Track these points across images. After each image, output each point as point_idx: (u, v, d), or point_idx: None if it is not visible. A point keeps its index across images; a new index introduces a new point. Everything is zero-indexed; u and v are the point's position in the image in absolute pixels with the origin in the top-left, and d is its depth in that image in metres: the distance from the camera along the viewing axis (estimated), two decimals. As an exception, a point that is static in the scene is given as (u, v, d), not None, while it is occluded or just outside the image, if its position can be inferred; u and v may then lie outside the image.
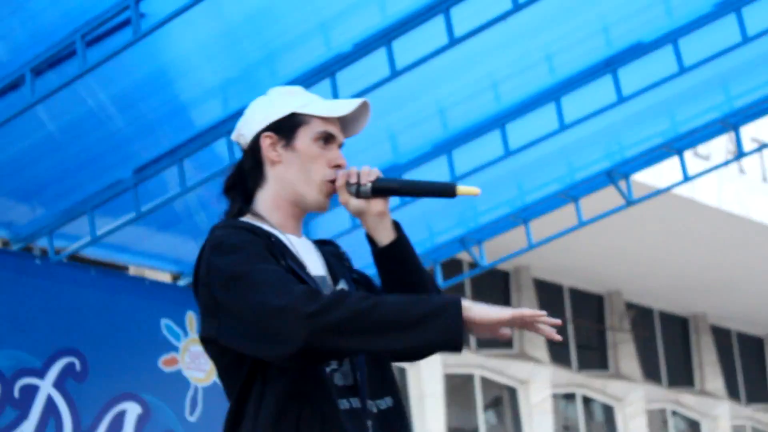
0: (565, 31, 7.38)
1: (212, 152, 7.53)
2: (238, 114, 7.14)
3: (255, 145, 3.82)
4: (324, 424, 3.48)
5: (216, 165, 7.51)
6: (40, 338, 7.99)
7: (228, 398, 3.64)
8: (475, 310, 3.38)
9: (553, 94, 7.91)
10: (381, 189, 3.76)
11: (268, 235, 3.67)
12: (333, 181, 3.79)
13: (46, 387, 7.96)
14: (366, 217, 3.80)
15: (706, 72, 7.77)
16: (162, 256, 9.10)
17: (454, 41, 6.65)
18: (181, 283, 9.27)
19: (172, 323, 8.73)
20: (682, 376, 27.89)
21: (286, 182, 3.79)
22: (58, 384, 8.02)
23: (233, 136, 3.95)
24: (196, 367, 8.77)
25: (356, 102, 3.82)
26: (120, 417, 8.32)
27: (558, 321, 3.49)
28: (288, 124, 3.78)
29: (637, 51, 7.63)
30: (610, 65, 7.73)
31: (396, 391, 3.78)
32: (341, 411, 3.52)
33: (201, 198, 8.27)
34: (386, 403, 3.70)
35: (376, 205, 3.78)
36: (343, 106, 3.83)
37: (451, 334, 3.34)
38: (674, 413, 27.57)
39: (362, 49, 6.91)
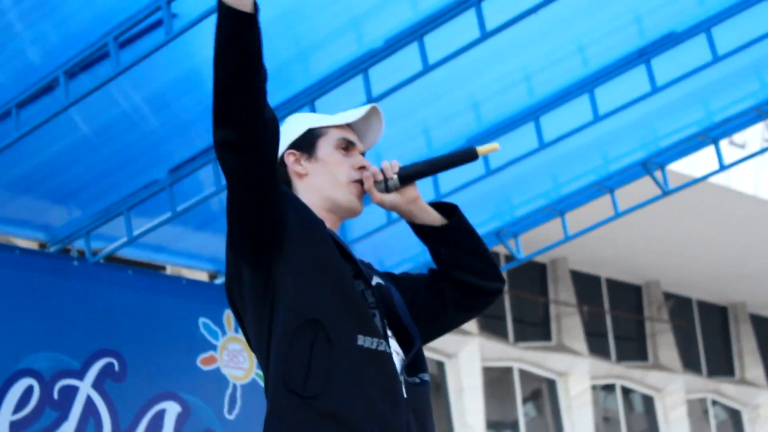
0: (597, 22, 7.36)
1: (246, 150, 7.54)
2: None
3: (282, 167, 3.96)
4: (335, 354, 3.57)
5: (250, 163, 7.52)
6: (78, 339, 8.02)
7: (257, 338, 3.72)
8: None
9: (587, 85, 7.90)
10: (408, 176, 3.92)
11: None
12: (360, 182, 3.93)
13: (85, 388, 7.99)
14: (402, 207, 3.98)
15: (740, 60, 7.74)
16: (198, 255, 9.13)
17: (485, 35, 6.64)
18: (218, 281, 9.29)
19: (210, 322, 8.75)
20: (721, 365, 27.83)
21: (317, 190, 3.93)
22: (97, 385, 8.04)
23: None
24: (234, 365, 8.79)
25: (366, 108, 3.98)
26: (159, 416, 8.34)
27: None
28: (307, 139, 3.97)
29: (670, 40, 7.61)
30: (644, 55, 7.71)
31: (427, 369, 3.87)
32: (362, 347, 3.62)
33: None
34: (425, 377, 3.81)
35: (408, 192, 3.96)
36: (355, 113, 3.99)
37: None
38: (714, 403, 27.50)
39: (394, 44, 6.92)
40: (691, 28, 7.55)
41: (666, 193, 9.08)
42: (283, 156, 3.94)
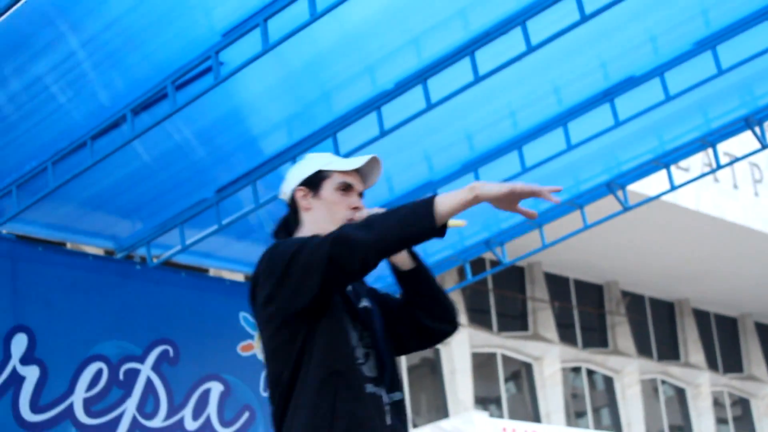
0: (570, 67, 7.34)
1: (279, 175, 7.49)
2: (301, 143, 7.24)
3: (292, 199, 4.01)
4: (355, 400, 3.63)
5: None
6: (140, 330, 8.02)
7: (276, 372, 3.73)
8: (483, 187, 3.57)
9: (561, 120, 7.87)
10: None
11: None
12: (352, 221, 3.91)
13: (145, 370, 7.99)
14: None
15: (688, 99, 7.72)
16: (239, 260, 9.10)
17: (478, 78, 6.64)
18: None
19: (249, 315, 8.73)
20: (669, 351, 27.78)
21: (316, 223, 3.94)
22: (155, 367, 8.04)
23: (280, 195, 4.11)
24: (268, 351, 8.77)
25: (367, 158, 3.98)
26: (206, 394, 8.33)
27: (558, 187, 3.61)
28: (315, 179, 3.98)
29: (630, 83, 7.59)
30: (608, 95, 7.69)
31: (402, 388, 3.92)
32: (367, 393, 3.68)
33: (270, 212, 8.28)
34: (398, 396, 3.85)
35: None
36: (356, 162, 3.99)
37: (424, 222, 3.50)
38: (663, 382, 27.46)
39: (402, 86, 6.91)
40: (648, 73, 7.52)
41: (626, 209, 9.06)
42: (294, 191, 3.98)
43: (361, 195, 4.01)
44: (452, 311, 4.02)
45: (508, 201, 3.60)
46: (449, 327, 4.02)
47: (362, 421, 3.62)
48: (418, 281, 3.95)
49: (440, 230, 3.54)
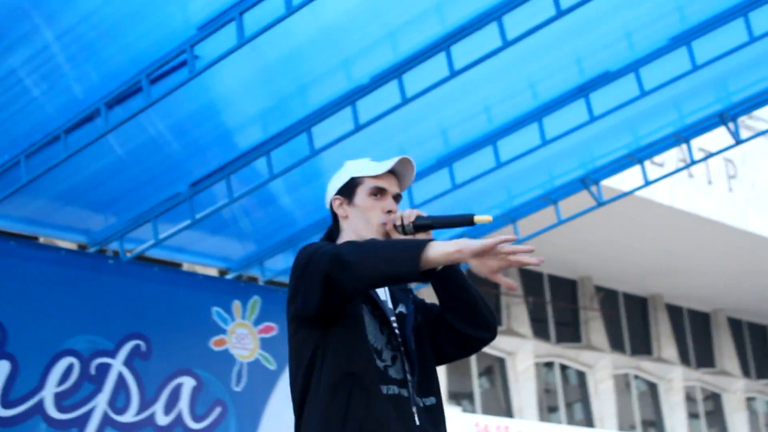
0: (545, 63, 7.37)
1: (253, 169, 7.54)
2: (275, 137, 7.25)
3: (332, 208, 4.08)
4: (371, 400, 3.66)
5: (257, 179, 7.53)
6: (112, 324, 8.03)
7: (295, 371, 3.81)
8: (455, 245, 3.50)
9: (536, 115, 7.91)
10: (420, 226, 3.93)
11: None
12: (386, 225, 3.97)
13: (117, 365, 7.99)
14: None
15: (662, 95, 7.76)
16: (212, 255, 9.10)
17: (454, 73, 6.67)
18: (228, 277, 9.27)
19: (221, 310, 8.75)
20: (642, 346, 27.86)
21: (353, 230, 4.00)
22: (128, 362, 8.04)
23: (326, 205, 4.17)
24: (241, 346, 8.78)
25: (396, 159, 4.00)
26: (178, 388, 8.34)
27: (530, 248, 3.55)
28: (349, 187, 4.04)
29: (605, 78, 7.62)
30: (583, 90, 7.73)
31: (439, 394, 3.94)
32: (384, 394, 3.70)
33: (244, 207, 8.29)
34: (430, 401, 3.87)
35: (419, 236, 3.91)
36: (385, 165, 4.02)
37: (408, 265, 3.50)
38: (636, 377, 27.52)
39: (378, 81, 6.92)
40: (623, 69, 7.56)
41: (600, 204, 9.10)
42: (332, 199, 4.05)
43: (399, 197, 4.04)
44: (487, 317, 3.97)
45: (488, 263, 3.55)
46: (485, 334, 3.98)
47: (380, 422, 3.64)
48: (449, 283, 3.92)
49: (424, 275, 3.55)
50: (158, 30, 6.06)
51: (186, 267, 12.11)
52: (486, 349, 23.65)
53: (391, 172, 4.03)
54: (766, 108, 8.53)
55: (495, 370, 24.38)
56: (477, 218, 3.76)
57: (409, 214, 3.92)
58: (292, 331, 3.85)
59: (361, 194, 3.99)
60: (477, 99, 7.65)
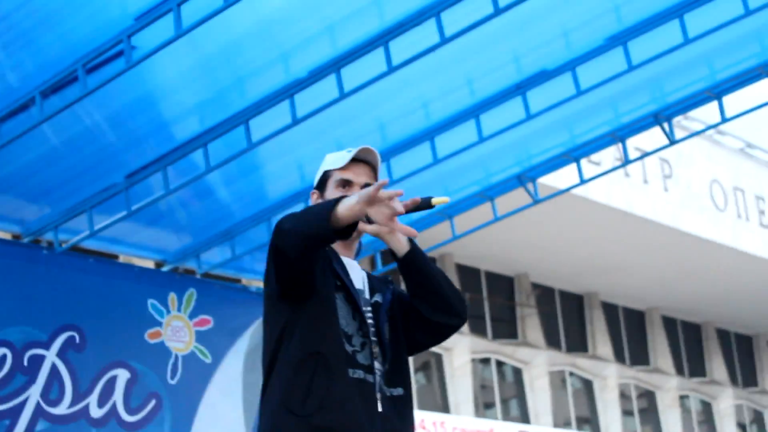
0: (483, 60, 7.41)
1: (190, 161, 7.53)
2: (212, 129, 7.24)
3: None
4: (334, 381, 3.71)
5: (194, 171, 7.51)
6: (46, 316, 7.97)
7: (266, 343, 3.88)
8: (356, 196, 3.60)
9: (474, 112, 7.94)
10: None
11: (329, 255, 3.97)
12: None
13: (50, 357, 7.93)
14: (381, 236, 3.94)
15: (599, 94, 7.82)
16: (148, 247, 9.07)
17: (392, 69, 6.68)
18: (164, 269, 9.24)
19: (157, 302, 8.71)
20: (577, 343, 28.04)
21: None
22: (61, 354, 7.99)
23: None
24: (176, 339, 8.75)
25: (356, 150, 4.03)
26: (112, 381, 8.29)
27: (398, 192, 3.65)
28: (322, 181, 4.11)
29: (542, 77, 7.67)
30: (520, 88, 7.77)
31: (408, 385, 3.98)
32: (350, 377, 3.75)
33: (181, 199, 8.26)
34: (398, 391, 3.90)
35: (383, 226, 3.92)
36: (346, 157, 4.04)
37: (322, 223, 3.61)
38: (571, 374, 27.70)
39: (316, 75, 6.93)
40: (560, 67, 7.62)
41: (536, 201, 9.16)
42: (311, 194, 4.13)
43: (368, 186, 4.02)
44: (455, 303, 3.99)
45: (381, 211, 3.70)
46: (453, 320, 4.00)
47: (340, 402, 3.68)
48: (414, 270, 3.94)
49: (341, 232, 3.63)
50: (95, 19, 6.04)
51: (122, 259, 12.05)
52: (423, 345, 23.66)
53: (362, 162, 4.05)
54: (701, 108, 8.62)
55: (431, 366, 24.44)
56: (435, 200, 3.77)
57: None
58: (266, 307, 3.91)
59: (330, 187, 4.04)
60: (415, 95, 7.67)
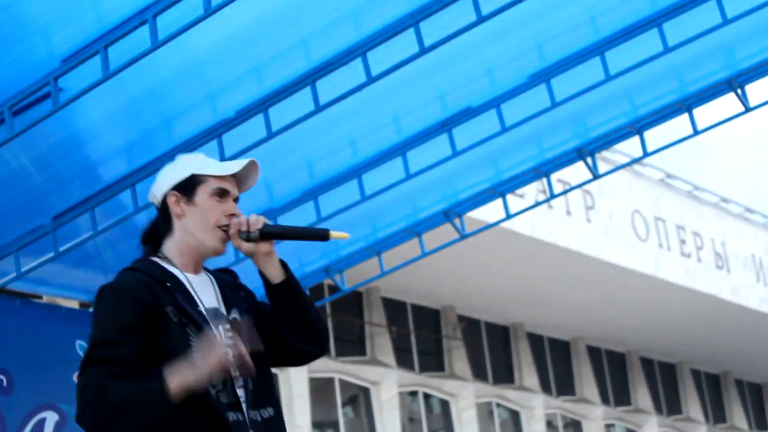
0: (409, 98, 7.45)
1: (118, 201, 7.47)
2: (140, 170, 7.20)
3: (164, 204, 3.89)
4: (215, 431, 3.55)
5: (121, 212, 7.46)
6: (-28, 359, 7.87)
7: None
8: (192, 374, 3.46)
9: (401, 149, 7.97)
10: (267, 234, 3.82)
11: (163, 278, 3.74)
12: (227, 229, 3.82)
13: (-24, 401, 7.82)
14: (256, 257, 3.85)
15: (523, 130, 7.89)
16: (76, 288, 8.99)
17: (319, 108, 6.70)
18: (91, 309, 9.15)
19: (84, 343, 8.62)
20: (504, 374, 28.18)
21: (189, 231, 3.84)
22: (-12, 397, 7.88)
23: (149, 198, 3.99)
24: (104, 380, 8.66)
25: (244, 162, 3.87)
26: (41, 424, 8.18)
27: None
28: (189, 184, 3.85)
29: (468, 113, 7.72)
30: (446, 125, 7.82)
31: (277, 402, 3.83)
32: (230, 422, 3.58)
33: (108, 240, 8.20)
34: (268, 412, 3.75)
35: (264, 247, 3.84)
36: (233, 166, 3.87)
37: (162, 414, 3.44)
38: (498, 405, 27.83)
39: (243, 114, 6.92)
40: (485, 104, 7.67)
41: (463, 236, 9.21)
42: (166, 195, 3.87)
43: (236, 200, 3.90)
44: (319, 333, 3.92)
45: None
46: (315, 349, 3.94)
47: None
48: (287, 297, 3.84)
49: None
50: (21, 61, 5.99)
51: (46, 299, 11.92)
52: (350, 379, 23.71)
53: (233, 174, 3.90)
54: (624, 142, 8.75)
55: (359, 400, 24.42)
56: (333, 234, 3.72)
57: (255, 221, 3.81)
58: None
59: (203, 193, 3.83)
60: (342, 133, 7.70)
